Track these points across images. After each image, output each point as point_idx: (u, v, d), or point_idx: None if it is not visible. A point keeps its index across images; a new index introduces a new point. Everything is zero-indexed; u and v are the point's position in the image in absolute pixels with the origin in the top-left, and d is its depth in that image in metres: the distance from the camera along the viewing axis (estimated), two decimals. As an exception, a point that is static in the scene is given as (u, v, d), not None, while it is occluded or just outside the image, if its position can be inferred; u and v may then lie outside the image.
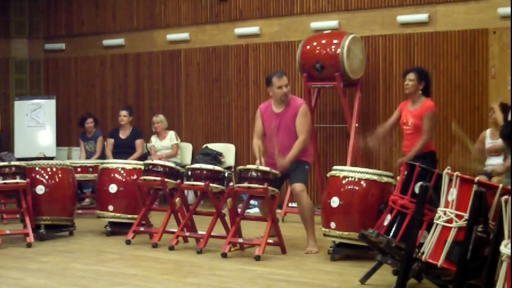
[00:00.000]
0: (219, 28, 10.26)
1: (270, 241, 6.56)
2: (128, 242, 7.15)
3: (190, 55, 10.54)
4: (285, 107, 6.91)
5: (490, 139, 7.56)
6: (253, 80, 9.95)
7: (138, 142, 10.15)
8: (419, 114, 6.87)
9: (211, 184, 6.76)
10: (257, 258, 6.33)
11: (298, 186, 6.72)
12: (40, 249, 6.98)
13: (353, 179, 6.26)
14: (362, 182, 6.21)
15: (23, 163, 7.50)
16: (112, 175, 7.68)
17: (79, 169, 8.60)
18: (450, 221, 4.58)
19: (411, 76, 6.91)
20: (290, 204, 8.58)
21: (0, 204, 8.50)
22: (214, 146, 10.05)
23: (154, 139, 10.17)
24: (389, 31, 8.87)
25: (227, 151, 10.04)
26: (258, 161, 6.80)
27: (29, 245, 7.01)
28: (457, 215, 4.56)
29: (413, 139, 6.88)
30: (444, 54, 8.53)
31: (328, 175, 6.54)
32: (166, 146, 10.06)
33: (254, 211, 8.99)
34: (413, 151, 6.77)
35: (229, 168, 9.75)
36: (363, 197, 6.19)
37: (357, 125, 8.56)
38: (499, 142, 6.52)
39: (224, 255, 6.45)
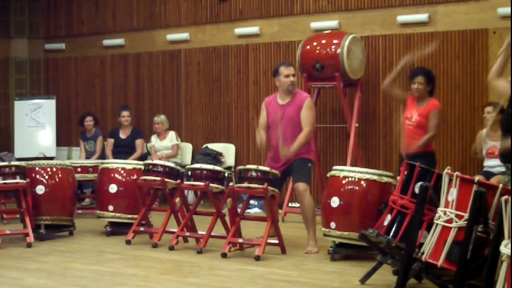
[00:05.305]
0: (219, 28, 10.26)
1: (270, 241, 6.56)
2: (128, 242, 7.15)
3: (190, 55, 10.53)
4: (290, 100, 6.91)
5: (488, 140, 7.56)
6: (253, 80, 9.95)
7: (138, 142, 10.15)
8: (425, 112, 6.96)
9: (211, 184, 6.76)
10: (257, 258, 6.32)
11: (301, 186, 6.71)
12: (40, 249, 6.97)
13: (353, 179, 6.26)
14: (362, 182, 6.21)
15: (23, 163, 7.50)
16: (112, 175, 7.68)
17: (79, 169, 8.60)
18: (450, 221, 4.58)
19: (421, 79, 6.98)
20: (290, 204, 8.58)
21: (0, 204, 8.50)
22: (214, 146, 10.04)
23: (154, 139, 10.16)
24: (389, 31, 8.87)
25: (227, 151, 10.03)
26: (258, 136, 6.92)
27: (29, 245, 7.00)
28: (457, 215, 4.56)
29: (414, 136, 6.89)
30: (444, 54, 8.52)
31: (328, 175, 6.54)
32: (166, 146, 10.05)
33: (254, 211, 9.00)
34: (419, 142, 6.81)
35: (229, 168, 9.74)
36: (363, 197, 6.19)
37: (357, 125, 8.57)
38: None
39: (224, 255, 6.45)
